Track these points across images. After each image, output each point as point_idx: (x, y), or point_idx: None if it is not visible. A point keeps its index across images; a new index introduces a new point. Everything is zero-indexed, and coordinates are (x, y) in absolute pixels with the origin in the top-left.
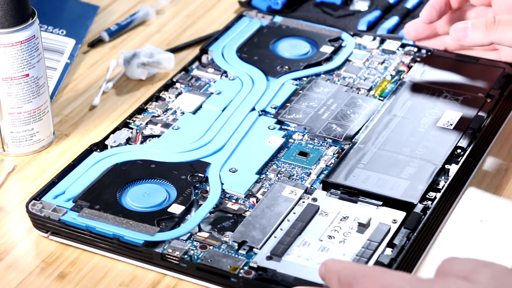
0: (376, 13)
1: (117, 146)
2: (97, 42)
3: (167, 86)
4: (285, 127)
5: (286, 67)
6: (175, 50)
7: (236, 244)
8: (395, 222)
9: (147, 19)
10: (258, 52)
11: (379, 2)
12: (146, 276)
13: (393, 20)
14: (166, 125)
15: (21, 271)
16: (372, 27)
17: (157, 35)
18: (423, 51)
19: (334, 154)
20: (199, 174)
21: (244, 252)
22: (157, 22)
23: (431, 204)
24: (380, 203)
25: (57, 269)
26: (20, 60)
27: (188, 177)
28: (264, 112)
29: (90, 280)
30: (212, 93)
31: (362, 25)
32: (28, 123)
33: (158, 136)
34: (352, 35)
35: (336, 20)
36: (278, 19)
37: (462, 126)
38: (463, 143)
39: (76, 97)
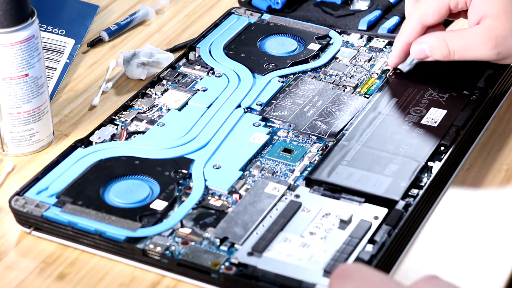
0: (377, 13)
1: (101, 142)
2: (96, 42)
3: (153, 83)
4: (270, 124)
5: (273, 64)
6: (174, 49)
7: (217, 240)
8: (377, 219)
9: (146, 18)
10: (245, 49)
11: (379, 1)
12: (146, 276)
13: (393, 20)
14: (151, 122)
15: (20, 271)
16: (372, 26)
17: (157, 34)
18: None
19: (318, 151)
20: (183, 171)
21: (225, 248)
22: (157, 21)
23: (413, 201)
24: (363, 199)
25: (57, 269)
26: (20, 60)
27: (171, 174)
28: (249, 109)
29: (89, 281)
30: (198, 90)
31: (362, 25)
32: (27, 123)
33: (143, 132)
34: (340, 33)
35: (336, 19)
36: (266, 16)
37: (446, 123)
38: (447, 140)
39: (76, 97)
